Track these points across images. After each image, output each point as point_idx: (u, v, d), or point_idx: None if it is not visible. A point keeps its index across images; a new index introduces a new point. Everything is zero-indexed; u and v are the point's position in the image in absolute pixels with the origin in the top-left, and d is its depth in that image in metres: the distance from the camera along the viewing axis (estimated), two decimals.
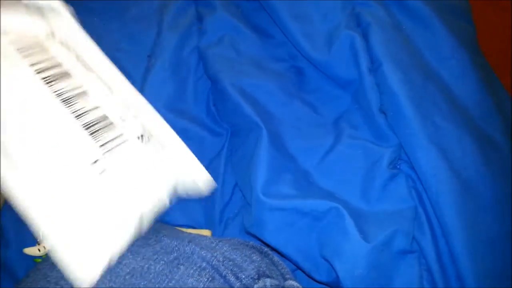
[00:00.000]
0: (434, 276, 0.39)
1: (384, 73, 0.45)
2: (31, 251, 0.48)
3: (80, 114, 0.34)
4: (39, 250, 0.48)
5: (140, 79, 0.53)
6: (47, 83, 0.34)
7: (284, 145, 0.46)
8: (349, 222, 0.37)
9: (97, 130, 0.34)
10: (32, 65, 0.34)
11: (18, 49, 0.34)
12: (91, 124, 0.34)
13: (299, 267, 0.42)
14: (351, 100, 0.49)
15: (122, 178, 0.33)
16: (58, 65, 0.35)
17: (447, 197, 0.39)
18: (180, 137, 0.48)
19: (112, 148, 0.34)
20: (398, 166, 0.44)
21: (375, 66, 0.46)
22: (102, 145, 0.33)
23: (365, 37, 0.49)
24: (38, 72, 0.34)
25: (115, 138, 0.34)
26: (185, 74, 0.53)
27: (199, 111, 0.51)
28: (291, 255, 0.41)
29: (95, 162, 0.32)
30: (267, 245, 0.42)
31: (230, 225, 0.48)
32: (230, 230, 0.48)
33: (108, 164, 0.33)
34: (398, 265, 0.38)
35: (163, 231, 0.38)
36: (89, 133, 0.33)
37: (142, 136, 0.36)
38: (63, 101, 0.33)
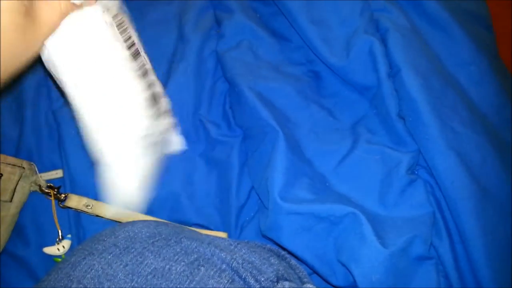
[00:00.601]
0: (452, 282, 0.39)
1: (403, 78, 0.45)
2: (50, 250, 0.49)
3: (149, 85, 0.43)
4: (58, 249, 0.49)
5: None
6: (132, 57, 0.41)
7: (300, 149, 0.46)
8: (366, 227, 0.38)
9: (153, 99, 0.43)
10: (125, 40, 0.41)
11: (117, 25, 0.40)
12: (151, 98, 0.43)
13: (315, 272, 0.42)
14: (369, 105, 0.49)
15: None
16: (135, 43, 0.42)
17: (466, 203, 0.39)
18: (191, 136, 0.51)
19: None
20: (416, 172, 0.44)
21: (394, 72, 0.46)
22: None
23: (384, 42, 0.49)
24: (128, 48, 0.41)
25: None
26: (204, 77, 0.54)
27: (215, 114, 0.52)
28: (308, 259, 0.41)
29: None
30: (284, 249, 0.43)
31: (246, 228, 0.49)
32: (246, 233, 0.48)
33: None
34: (416, 271, 0.38)
35: (183, 232, 0.38)
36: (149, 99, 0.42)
37: None
38: (141, 74, 0.42)
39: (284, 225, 0.41)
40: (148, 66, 0.44)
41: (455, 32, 0.50)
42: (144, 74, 0.42)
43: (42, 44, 0.36)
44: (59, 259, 0.49)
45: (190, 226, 0.49)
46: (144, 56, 0.43)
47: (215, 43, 0.55)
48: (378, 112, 0.48)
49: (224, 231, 0.49)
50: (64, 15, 0.36)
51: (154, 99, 0.43)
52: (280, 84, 0.51)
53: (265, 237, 0.46)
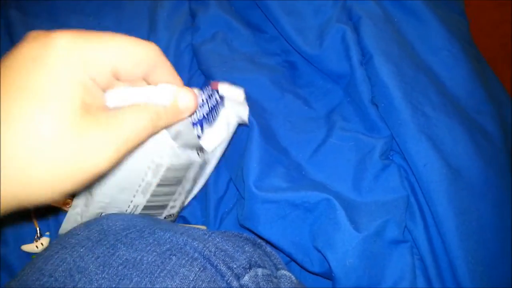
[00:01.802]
0: (427, 264, 0.39)
1: (375, 65, 0.45)
2: (29, 248, 0.49)
3: None
4: (37, 247, 0.49)
5: None
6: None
7: (276, 139, 0.46)
8: (340, 212, 0.38)
9: None
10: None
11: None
12: None
13: (292, 259, 0.42)
14: (343, 93, 0.49)
15: None
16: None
17: (438, 186, 0.39)
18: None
19: None
20: (390, 157, 0.44)
21: (366, 59, 0.47)
22: None
23: (356, 30, 0.49)
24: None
25: None
26: (180, 71, 0.54)
27: None
28: (284, 247, 0.41)
29: None
30: (261, 238, 0.43)
31: (225, 220, 0.49)
32: (225, 224, 0.48)
33: None
34: (391, 255, 0.38)
35: (158, 224, 0.38)
36: None
37: None
38: None
39: (259, 214, 0.41)
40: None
41: (427, 18, 0.51)
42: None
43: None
44: None
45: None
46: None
47: (191, 36, 0.55)
48: (352, 99, 0.48)
49: (203, 223, 0.49)
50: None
51: None
52: (255, 75, 0.51)
53: (243, 227, 0.46)
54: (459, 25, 0.54)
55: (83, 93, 0.26)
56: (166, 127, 0.34)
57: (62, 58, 0.25)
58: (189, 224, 0.49)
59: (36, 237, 0.49)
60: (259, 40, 0.55)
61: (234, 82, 0.50)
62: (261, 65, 0.53)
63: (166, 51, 0.53)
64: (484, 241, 0.38)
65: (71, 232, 0.38)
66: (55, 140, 0.24)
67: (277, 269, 0.37)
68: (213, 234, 0.36)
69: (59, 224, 0.49)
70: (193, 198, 0.48)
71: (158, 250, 0.33)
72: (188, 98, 0.34)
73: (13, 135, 0.24)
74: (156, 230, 0.36)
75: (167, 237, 0.35)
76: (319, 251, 0.39)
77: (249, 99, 0.49)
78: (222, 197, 0.49)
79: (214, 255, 0.33)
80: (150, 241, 0.34)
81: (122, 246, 0.34)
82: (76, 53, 0.26)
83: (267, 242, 0.42)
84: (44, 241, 0.49)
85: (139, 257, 0.33)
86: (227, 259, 0.34)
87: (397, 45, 0.47)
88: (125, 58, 0.29)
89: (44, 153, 0.24)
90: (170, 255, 0.33)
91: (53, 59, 0.25)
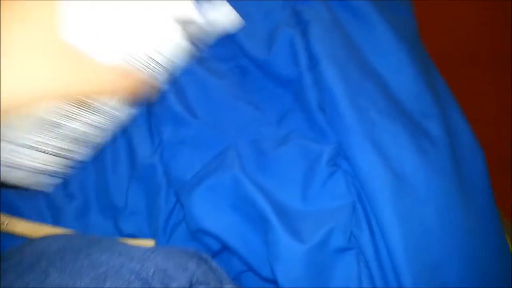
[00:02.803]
0: (372, 272, 0.39)
1: (321, 70, 0.44)
2: None
3: None
4: None
5: None
6: None
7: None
8: (276, 224, 0.37)
9: None
10: None
11: None
12: None
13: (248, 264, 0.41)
14: (292, 98, 0.49)
15: None
16: None
17: (382, 193, 0.39)
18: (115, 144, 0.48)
19: None
20: (338, 163, 0.44)
21: (313, 64, 0.46)
22: None
23: (305, 35, 0.49)
24: None
25: None
26: None
27: (139, 115, 0.50)
28: (237, 246, 0.40)
29: None
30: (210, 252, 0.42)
31: (175, 232, 0.47)
32: (175, 236, 0.47)
33: None
34: (336, 263, 0.38)
35: (97, 244, 0.36)
36: None
37: None
38: None
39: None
40: None
41: (375, 22, 0.50)
42: None
43: None
44: None
45: (121, 236, 0.47)
46: None
47: None
48: (301, 105, 0.47)
49: (152, 237, 0.47)
50: None
51: None
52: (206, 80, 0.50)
53: (195, 238, 0.44)
54: (407, 28, 0.54)
55: None
56: None
57: None
58: (136, 238, 0.47)
59: None
60: (210, 44, 0.54)
61: (183, 89, 0.49)
62: (213, 70, 0.51)
63: None
64: (429, 246, 0.38)
65: (3, 257, 0.36)
66: None
67: (222, 285, 0.36)
68: (153, 253, 0.35)
69: None
70: (136, 214, 0.46)
71: (92, 274, 0.32)
72: None
73: None
74: (92, 252, 0.34)
75: (103, 259, 0.33)
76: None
77: (199, 107, 0.49)
78: (173, 209, 0.48)
79: (151, 277, 0.32)
80: (85, 264, 0.33)
81: (55, 270, 0.32)
82: None
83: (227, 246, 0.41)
84: None
85: (72, 281, 0.31)
86: (166, 280, 0.33)
87: (345, 49, 0.47)
88: None
89: None
90: (105, 279, 0.31)
91: None
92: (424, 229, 0.39)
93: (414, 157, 0.41)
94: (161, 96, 0.49)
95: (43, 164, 0.37)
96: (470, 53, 0.87)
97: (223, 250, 0.43)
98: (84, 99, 0.34)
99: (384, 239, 0.38)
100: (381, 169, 0.39)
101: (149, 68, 0.35)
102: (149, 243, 0.46)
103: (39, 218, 0.48)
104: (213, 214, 0.41)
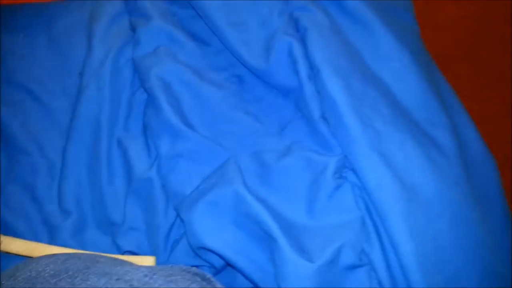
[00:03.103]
0: None
1: (323, 79, 0.43)
2: None
3: None
4: None
5: (71, 99, 0.50)
6: None
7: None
8: (283, 243, 0.36)
9: None
10: None
11: None
12: None
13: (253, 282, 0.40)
14: (293, 108, 0.47)
15: None
16: None
17: (392, 206, 0.37)
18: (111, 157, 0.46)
19: None
20: (343, 175, 0.42)
21: (314, 72, 0.45)
22: None
23: (304, 42, 0.47)
24: None
25: None
26: (120, 89, 0.50)
27: (134, 127, 0.48)
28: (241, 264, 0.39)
29: None
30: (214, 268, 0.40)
31: (176, 248, 0.45)
32: (176, 253, 0.45)
33: None
34: (347, 281, 0.37)
35: (94, 266, 0.35)
36: None
37: None
38: None
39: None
40: None
41: (376, 28, 0.49)
42: None
43: None
44: None
45: (121, 253, 0.46)
46: None
47: (131, 52, 0.52)
48: (303, 115, 0.46)
49: (152, 253, 0.45)
50: None
51: None
52: (204, 93, 0.49)
53: (196, 254, 0.43)
54: (409, 33, 0.53)
55: None
56: None
57: None
58: (136, 256, 0.45)
59: None
60: (205, 53, 0.52)
61: (179, 101, 0.48)
62: (209, 80, 0.50)
63: (101, 67, 0.49)
64: (443, 261, 0.37)
65: None
66: None
67: None
68: (154, 276, 0.33)
69: None
70: (135, 229, 0.45)
71: None
72: None
73: None
74: (89, 276, 0.32)
75: (101, 284, 0.31)
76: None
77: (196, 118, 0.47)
78: (173, 225, 0.46)
79: None
80: None
81: None
82: None
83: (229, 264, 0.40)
84: None
85: None
86: None
87: (346, 56, 0.45)
88: None
89: None
90: None
91: None
92: (438, 243, 0.37)
93: (423, 168, 0.40)
94: (157, 108, 0.47)
95: None
96: (470, 52, 0.87)
97: (226, 267, 0.42)
98: None
99: (396, 255, 0.37)
100: (390, 181, 0.38)
101: None
102: (149, 260, 0.44)
103: (34, 236, 0.46)
104: (215, 231, 0.40)
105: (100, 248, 0.46)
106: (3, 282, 0.33)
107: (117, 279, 0.32)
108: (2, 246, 0.45)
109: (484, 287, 0.37)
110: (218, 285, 0.36)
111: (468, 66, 0.85)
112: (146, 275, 0.33)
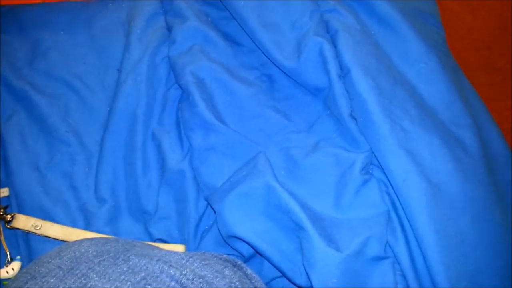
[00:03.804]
0: (409, 281, 0.39)
1: (353, 79, 0.45)
2: None
3: None
4: (7, 272, 0.46)
5: (109, 93, 0.53)
6: None
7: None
8: (313, 233, 0.37)
9: None
10: None
11: None
12: None
13: (281, 271, 0.41)
14: (322, 106, 0.49)
15: None
16: None
17: (417, 201, 0.39)
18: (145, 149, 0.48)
19: None
20: (370, 171, 0.44)
21: (344, 72, 0.46)
22: None
23: (334, 43, 0.49)
24: None
25: None
26: (156, 85, 0.52)
27: (167, 122, 0.50)
28: (269, 252, 0.40)
29: None
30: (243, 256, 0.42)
31: (205, 237, 0.47)
32: (205, 242, 0.47)
33: None
34: (372, 272, 0.38)
35: (133, 249, 0.37)
36: None
37: None
38: None
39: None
40: None
41: (404, 31, 0.51)
42: None
43: None
44: (6, 282, 0.47)
45: (152, 241, 0.48)
46: None
47: (167, 49, 0.54)
48: (331, 113, 0.47)
49: (182, 242, 0.47)
50: None
51: None
52: (235, 90, 0.51)
53: (225, 243, 0.45)
54: (435, 37, 0.55)
55: None
56: None
57: None
58: (167, 243, 0.47)
59: (6, 261, 0.47)
60: (237, 52, 0.54)
61: (212, 97, 0.50)
62: (240, 78, 0.52)
63: (138, 64, 0.52)
64: (465, 255, 0.38)
65: (42, 260, 0.36)
66: None
67: None
68: (190, 259, 0.35)
69: (29, 247, 0.47)
70: (166, 218, 0.47)
71: (132, 279, 0.32)
72: None
73: None
74: (130, 257, 0.35)
75: (142, 264, 0.33)
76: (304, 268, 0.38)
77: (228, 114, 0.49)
78: (202, 215, 0.48)
79: (192, 283, 0.32)
80: (125, 269, 0.33)
81: (95, 275, 0.32)
82: None
83: (258, 252, 0.41)
84: (15, 265, 0.47)
85: (113, 287, 0.31)
86: (205, 286, 0.33)
87: (375, 58, 0.47)
88: None
89: None
90: (146, 284, 0.31)
91: None
92: (461, 238, 0.38)
93: (448, 166, 0.41)
94: (191, 103, 0.49)
95: None
96: (488, 62, 0.87)
97: (254, 256, 0.43)
98: None
99: (420, 248, 0.38)
100: (416, 178, 0.39)
101: None
102: (179, 248, 0.46)
103: (71, 222, 0.48)
104: (245, 220, 0.42)
105: (133, 235, 0.48)
106: (49, 261, 0.35)
107: (158, 260, 0.34)
108: (41, 230, 0.47)
109: (505, 283, 0.38)
110: (249, 271, 0.38)
111: (486, 76, 0.86)
112: (183, 258, 0.35)
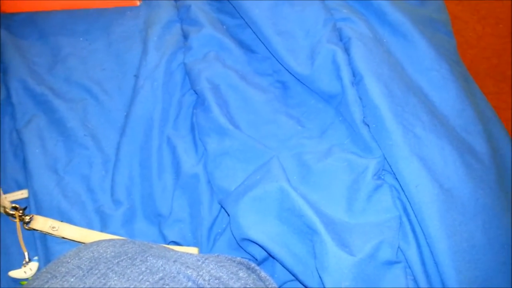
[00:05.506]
0: (420, 285, 0.39)
1: (366, 86, 0.45)
2: (17, 273, 0.48)
3: None
4: (25, 272, 0.48)
5: (126, 99, 0.54)
6: None
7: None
8: (326, 237, 0.38)
9: None
10: None
11: None
12: None
13: (294, 275, 0.42)
14: (335, 113, 0.50)
15: None
16: None
17: (429, 207, 0.39)
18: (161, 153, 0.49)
19: None
20: (382, 177, 0.45)
21: (357, 80, 0.47)
22: None
23: (347, 51, 0.50)
24: None
25: None
26: (172, 91, 0.54)
27: (182, 127, 0.51)
28: (282, 256, 0.41)
29: None
30: (255, 260, 0.42)
31: (219, 241, 0.48)
32: (218, 245, 0.48)
33: None
34: (384, 276, 0.38)
35: (150, 250, 0.38)
36: None
37: None
38: None
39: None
40: None
41: (416, 39, 0.52)
42: None
43: None
44: (25, 282, 0.48)
45: (166, 244, 0.49)
46: None
47: (183, 56, 0.55)
48: (344, 119, 0.48)
49: (195, 245, 0.48)
50: None
51: None
52: (248, 96, 0.52)
53: (239, 246, 0.45)
54: (447, 45, 0.55)
55: None
56: None
57: None
58: (181, 246, 0.48)
59: (24, 262, 0.48)
60: (251, 59, 0.55)
61: (227, 102, 0.51)
62: (254, 85, 0.53)
63: (155, 70, 0.53)
64: (476, 261, 0.39)
65: (61, 260, 0.37)
66: None
67: None
68: (206, 261, 0.36)
69: (47, 248, 0.49)
70: (180, 221, 0.48)
71: (150, 280, 0.33)
72: None
73: None
74: (148, 258, 0.35)
75: (160, 265, 0.34)
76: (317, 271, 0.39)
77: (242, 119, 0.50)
78: (216, 218, 0.49)
79: (208, 284, 0.33)
80: (143, 269, 0.34)
81: (114, 275, 0.33)
82: None
83: (271, 256, 0.42)
84: (33, 266, 0.48)
85: (132, 287, 0.32)
86: (221, 287, 0.33)
87: (387, 65, 0.48)
88: None
89: None
90: (164, 284, 0.32)
91: None
92: (471, 244, 0.39)
93: (460, 172, 0.41)
94: (206, 108, 0.50)
95: None
96: (497, 70, 0.87)
97: (267, 259, 0.44)
98: None
99: (431, 253, 0.39)
100: (429, 183, 0.40)
101: None
102: (193, 250, 0.47)
103: (87, 224, 0.49)
104: (259, 224, 0.42)
105: (148, 237, 0.49)
106: (69, 261, 0.36)
107: (174, 261, 0.35)
108: (58, 231, 0.48)
109: None
110: (263, 273, 0.39)
111: (495, 84, 0.86)
112: (198, 260, 0.36)
